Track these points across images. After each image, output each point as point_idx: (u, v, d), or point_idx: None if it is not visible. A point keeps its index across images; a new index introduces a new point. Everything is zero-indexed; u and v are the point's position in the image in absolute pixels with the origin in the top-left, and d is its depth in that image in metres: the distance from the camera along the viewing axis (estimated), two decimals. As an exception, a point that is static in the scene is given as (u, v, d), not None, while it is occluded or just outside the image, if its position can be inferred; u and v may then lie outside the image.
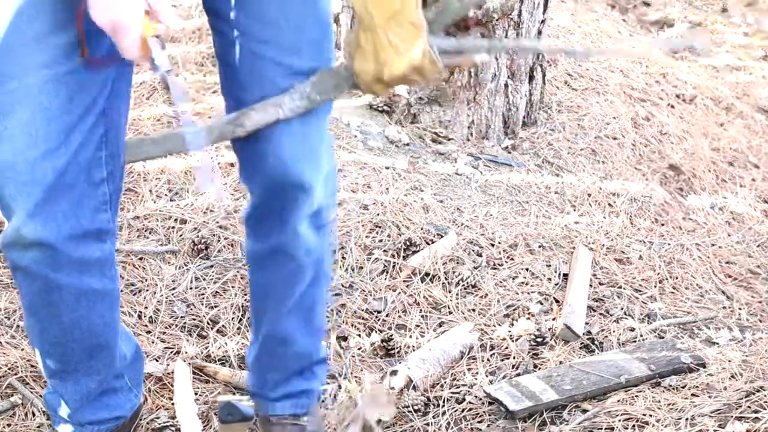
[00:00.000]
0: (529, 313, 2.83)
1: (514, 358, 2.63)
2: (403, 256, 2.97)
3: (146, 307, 2.64)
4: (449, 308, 2.82)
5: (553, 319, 2.81)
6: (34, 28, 1.64)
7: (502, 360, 2.63)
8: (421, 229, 3.11)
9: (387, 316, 2.76)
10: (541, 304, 2.89)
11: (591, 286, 3.02)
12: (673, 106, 4.53)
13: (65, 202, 1.70)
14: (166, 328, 2.60)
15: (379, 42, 1.66)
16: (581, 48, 1.78)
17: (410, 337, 2.68)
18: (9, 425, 2.25)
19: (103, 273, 1.83)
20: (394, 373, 2.47)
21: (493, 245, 3.14)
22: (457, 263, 3.00)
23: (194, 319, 2.64)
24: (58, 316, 1.83)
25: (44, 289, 1.78)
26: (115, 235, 1.85)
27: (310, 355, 2.15)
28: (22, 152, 1.66)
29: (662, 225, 3.55)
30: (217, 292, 2.74)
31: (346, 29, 3.99)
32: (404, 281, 2.90)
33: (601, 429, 2.32)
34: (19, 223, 1.69)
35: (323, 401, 2.44)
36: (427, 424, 2.38)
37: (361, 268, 2.92)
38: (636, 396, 2.43)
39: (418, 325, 2.74)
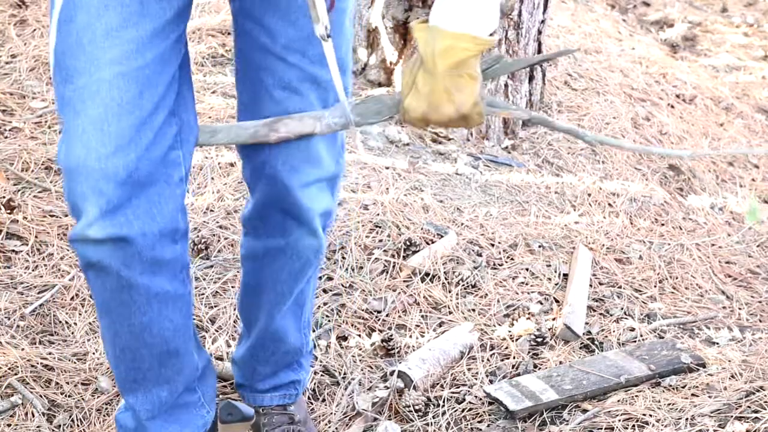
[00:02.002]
0: (529, 313, 2.83)
1: (514, 358, 2.63)
2: (403, 256, 2.97)
3: (146, 307, 2.64)
4: (449, 308, 2.82)
5: (553, 319, 2.81)
6: (104, 22, 1.64)
7: (502, 360, 2.63)
8: (421, 229, 3.11)
9: (387, 316, 2.76)
10: (541, 304, 2.89)
11: (591, 286, 3.02)
12: (673, 106, 4.53)
13: (139, 199, 1.68)
14: (166, 328, 2.60)
15: (436, 86, 1.72)
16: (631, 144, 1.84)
17: (410, 337, 2.68)
18: (9, 425, 2.25)
19: (174, 275, 1.80)
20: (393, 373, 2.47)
21: (493, 245, 3.14)
22: (457, 263, 3.00)
23: (194, 319, 2.64)
24: (128, 317, 1.79)
25: (116, 287, 1.74)
26: (188, 236, 1.83)
27: (300, 350, 2.18)
28: (94, 149, 1.64)
29: (662, 225, 3.55)
30: (217, 292, 2.74)
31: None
32: (404, 281, 2.90)
33: (601, 429, 2.32)
34: (89, 221, 1.66)
35: (319, 395, 2.44)
36: (427, 424, 2.38)
37: (361, 268, 2.92)
38: (636, 396, 2.43)
39: (418, 325, 2.74)
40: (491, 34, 1.74)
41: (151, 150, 1.68)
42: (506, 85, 3.88)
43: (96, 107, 1.64)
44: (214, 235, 2.94)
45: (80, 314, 2.59)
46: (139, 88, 1.66)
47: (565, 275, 3.05)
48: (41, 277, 2.70)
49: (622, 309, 2.94)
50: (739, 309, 3.07)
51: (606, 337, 2.78)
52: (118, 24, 1.65)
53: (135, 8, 1.66)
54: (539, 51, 3.97)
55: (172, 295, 1.81)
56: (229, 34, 4.19)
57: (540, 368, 2.59)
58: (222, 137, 1.83)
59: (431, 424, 2.38)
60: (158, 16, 1.68)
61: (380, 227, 3.09)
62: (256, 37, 1.82)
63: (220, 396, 2.36)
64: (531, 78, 3.99)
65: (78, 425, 2.28)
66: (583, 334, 2.76)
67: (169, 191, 1.72)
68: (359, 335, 2.67)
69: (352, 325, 2.71)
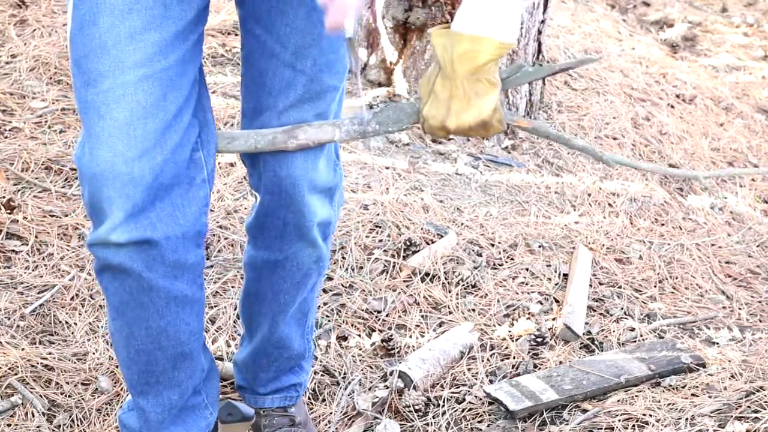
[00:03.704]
0: (529, 313, 2.83)
1: (514, 358, 2.63)
2: (403, 256, 2.97)
3: (146, 307, 2.64)
4: (449, 308, 2.82)
5: (553, 319, 2.81)
6: (128, 25, 1.64)
7: (502, 360, 2.63)
8: (421, 229, 3.11)
9: (387, 316, 2.76)
10: (541, 304, 2.89)
11: (591, 286, 3.02)
12: (673, 106, 4.53)
13: (163, 202, 1.67)
14: (166, 328, 2.60)
15: (455, 92, 1.70)
16: (649, 166, 1.81)
17: (410, 337, 2.68)
18: (9, 425, 2.25)
19: (194, 279, 1.79)
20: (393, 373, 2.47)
21: (493, 245, 3.14)
22: (457, 263, 3.00)
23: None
24: (146, 320, 1.78)
25: (136, 288, 1.73)
26: (205, 240, 1.81)
27: (302, 355, 2.18)
28: (121, 152, 1.63)
29: (662, 225, 3.55)
30: (217, 292, 2.74)
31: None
32: (404, 281, 2.90)
33: (601, 429, 2.32)
34: (114, 224, 1.65)
35: (322, 398, 2.44)
36: (427, 424, 2.38)
37: (361, 268, 2.92)
38: (636, 396, 2.43)
39: (418, 325, 2.74)
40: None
41: (176, 153, 1.68)
42: (506, 85, 3.88)
43: (121, 110, 1.64)
44: (214, 235, 2.94)
45: (80, 314, 2.59)
46: (163, 91, 1.66)
47: (565, 275, 3.05)
48: (41, 277, 2.70)
49: (622, 309, 2.94)
50: (739, 309, 3.07)
51: (606, 337, 2.78)
52: (141, 27, 1.64)
53: (159, 11, 1.65)
54: (539, 51, 3.97)
55: (190, 299, 1.81)
56: (229, 34, 4.19)
57: (540, 368, 2.59)
58: (240, 144, 1.82)
59: (431, 424, 2.38)
60: (180, 19, 1.68)
61: (380, 227, 3.10)
62: (264, 43, 1.81)
63: (220, 396, 2.36)
64: (531, 78, 3.98)
65: (78, 425, 2.28)
66: (583, 334, 2.76)
67: (192, 193, 1.72)
68: (359, 335, 2.67)
69: (352, 325, 2.71)
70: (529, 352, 2.66)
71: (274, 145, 1.81)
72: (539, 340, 2.69)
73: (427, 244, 3.05)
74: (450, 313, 2.81)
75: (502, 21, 1.68)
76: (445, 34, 1.70)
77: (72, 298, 2.64)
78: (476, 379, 2.54)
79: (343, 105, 1.94)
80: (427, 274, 2.93)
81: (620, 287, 3.06)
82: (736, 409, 2.34)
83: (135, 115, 1.64)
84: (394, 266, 2.94)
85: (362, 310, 2.76)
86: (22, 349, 2.43)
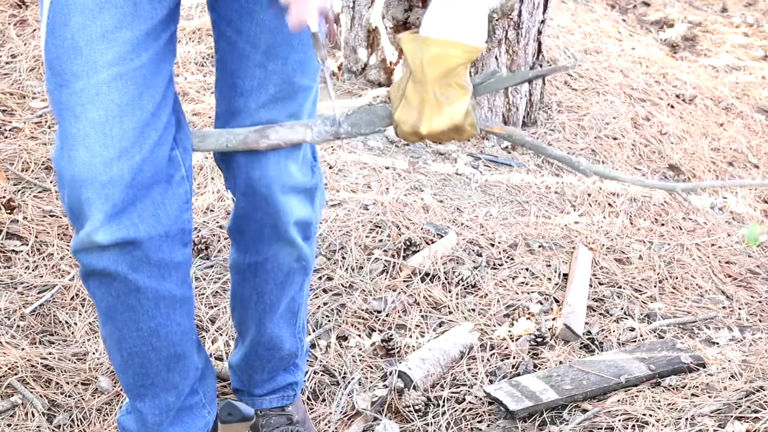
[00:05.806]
0: (529, 313, 2.83)
1: (514, 358, 2.63)
2: (403, 256, 2.97)
3: (146, 307, 2.64)
4: (449, 308, 2.82)
5: (553, 319, 2.81)
6: (99, 24, 1.63)
7: (502, 360, 2.63)
8: (421, 229, 3.11)
9: (387, 316, 2.76)
10: (541, 304, 2.89)
11: (591, 286, 3.02)
12: (673, 106, 4.53)
13: (143, 202, 1.66)
14: (166, 328, 2.60)
15: (426, 96, 1.70)
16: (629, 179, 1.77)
17: (410, 337, 2.69)
18: (9, 425, 2.25)
19: (183, 279, 1.78)
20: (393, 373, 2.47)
21: (493, 245, 3.14)
22: (457, 263, 3.00)
23: (194, 319, 2.64)
24: (136, 321, 1.77)
25: (123, 291, 1.72)
26: (191, 239, 1.80)
27: (295, 353, 2.18)
28: (98, 153, 1.62)
29: (662, 225, 3.55)
30: (217, 292, 2.74)
31: (346, 28, 3.99)
32: (404, 281, 2.90)
33: (601, 429, 2.32)
34: (95, 226, 1.64)
35: (321, 398, 2.45)
36: (427, 424, 2.38)
37: (361, 268, 2.92)
38: (636, 396, 2.43)
39: (418, 325, 2.74)
40: (486, 41, 1.73)
41: (155, 151, 1.67)
42: (506, 85, 3.88)
43: (96, 110, 1.63)
44: (214, 235, 2.94)
45: (80, 314, 2.59)
46: (138, 90, 1.65)
47: (565, 275, 3.05)
48: (41, 277, 2.70)
49: (622, 309, 2.94)
50: (739, 309, 3.06)
51: (606, 337, 2.78)
52: (113, 26, 1.64)
53: (129, 9, 1.65)
54: (539, 51, 3.97)
55: (179, 299, 1.80)
56: (229, 34, 4.19)
57: (540, 368, 2.59)
58: (212, 142, 1.82)
59: (431, 424, 2.38)
60: (151, 17, 1.67)
61: (380, 227, 3.10)
62: (235, 45, 1.81)
63: (220, 396, 2.36)
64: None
65: (78, 425, 2.28)
66: (583, 334, 2.77)
67: (171, 192, 1.71)
68: (359, 335, 2.67)
69: (352, 325, 2.71)
70: (529, 352, 2.66)
71: (246, 145, 1.81)
72: (539, 340, 2.69)
73: (427, 244, 3.05)
74: (450, 313, 2.81)
75: (470, 24, 1.68)
76: (415, 39, 1.70)
77: (72, 298, 2.64)
78: (476, 379, 2.54)
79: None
80: (427, 274, 2.93)
81: (620, 287, 3.06)
82: (736, 409, 2.34)
83: (110, 115, 1.63)
84: (394, 266, 2.94)
85: (362, 310, 2.76)
86: (22, 349, 2.43)
